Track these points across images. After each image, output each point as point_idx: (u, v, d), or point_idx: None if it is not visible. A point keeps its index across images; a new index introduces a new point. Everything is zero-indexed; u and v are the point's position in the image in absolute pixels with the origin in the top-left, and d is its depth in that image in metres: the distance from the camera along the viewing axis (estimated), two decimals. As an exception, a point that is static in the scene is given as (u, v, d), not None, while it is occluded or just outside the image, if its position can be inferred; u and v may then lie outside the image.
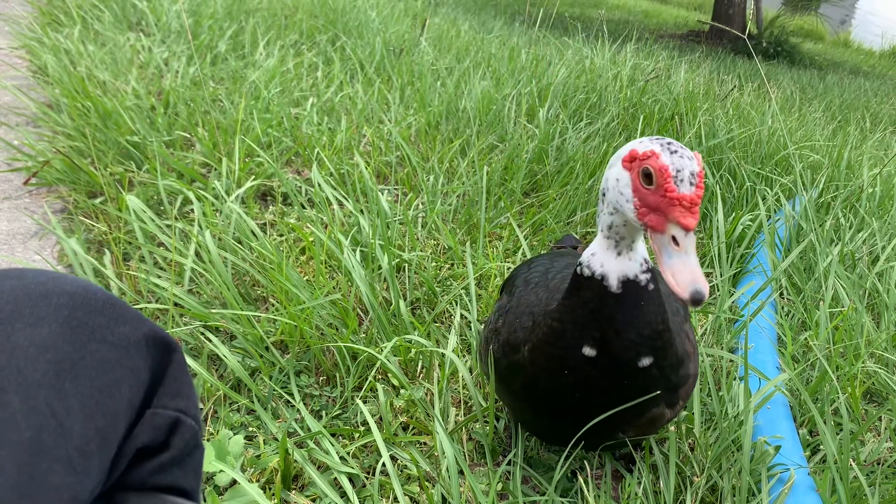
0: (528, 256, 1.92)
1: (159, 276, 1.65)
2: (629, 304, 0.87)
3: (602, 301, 0.87)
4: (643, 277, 0.87)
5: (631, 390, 0.93)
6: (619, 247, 0.88)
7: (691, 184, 0.76)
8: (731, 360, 1.55)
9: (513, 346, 1.03)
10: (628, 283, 0.87)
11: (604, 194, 0.88)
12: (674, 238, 0.75)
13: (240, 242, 1.79)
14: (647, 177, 0.78)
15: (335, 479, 1.20)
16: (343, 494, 1.16)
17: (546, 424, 1.08)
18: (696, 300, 0.70)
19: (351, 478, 1.19)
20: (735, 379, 1.44)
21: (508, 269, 1.90)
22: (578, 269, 0.90)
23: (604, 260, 0.88)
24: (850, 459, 1.17)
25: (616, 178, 0.83)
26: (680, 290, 0.71)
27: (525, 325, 1.02)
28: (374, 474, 1.21)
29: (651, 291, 0.88)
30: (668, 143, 0.78)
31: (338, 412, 1.37)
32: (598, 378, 0.91)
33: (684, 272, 0.72)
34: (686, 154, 0.77)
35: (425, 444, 1.31)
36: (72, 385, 0.47)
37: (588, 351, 0.90)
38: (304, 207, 2.07)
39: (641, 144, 0.80)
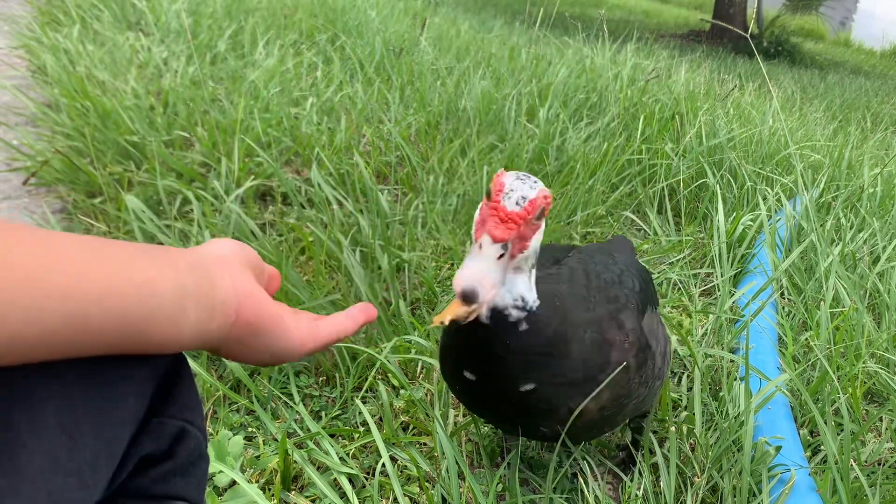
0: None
1: (158, 276, 1.64)
2: (499, 337, 0.84)
3: (474, 330, 0.84)
4: (514, 313, 0.83)
5: (523, 407, 0.91)
6: None
7: (517, 203, 0.76)
8: (731, 361, 1.54)
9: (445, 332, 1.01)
10: (497, 314, 0.83)
11: None
12: (481, 246, 0.76)
13: (239, 242, 1.79)
14: (488, 193, 0.79)
15: (335, 479, 1.20)
16: (343, 495, 1.16)
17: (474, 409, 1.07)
18: (465, 296, 0.72)
19: (351, 478, 1.19)
20: (736, 379, 1.44)
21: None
22: None
23: None
24: (851, 460, 1.17)
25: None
26: (456, 282, 0.72)
27: None
28: (373, 475, 1.21)
29: (521, 332, 0.83)
30: (523, 175, 0.79)
31: (337, 413, 1.37)
32: (487, 396, 0.92)
33: (471, 269, 0.74)
34: (532, 184, 0.78)
35: (425, 444, 1.31)
36: (80, 397, 0.46)
37: (468, 375, 0.89)
38: (303, 207, 2.07)
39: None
